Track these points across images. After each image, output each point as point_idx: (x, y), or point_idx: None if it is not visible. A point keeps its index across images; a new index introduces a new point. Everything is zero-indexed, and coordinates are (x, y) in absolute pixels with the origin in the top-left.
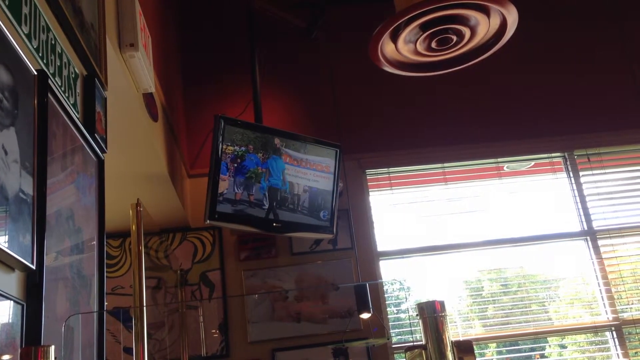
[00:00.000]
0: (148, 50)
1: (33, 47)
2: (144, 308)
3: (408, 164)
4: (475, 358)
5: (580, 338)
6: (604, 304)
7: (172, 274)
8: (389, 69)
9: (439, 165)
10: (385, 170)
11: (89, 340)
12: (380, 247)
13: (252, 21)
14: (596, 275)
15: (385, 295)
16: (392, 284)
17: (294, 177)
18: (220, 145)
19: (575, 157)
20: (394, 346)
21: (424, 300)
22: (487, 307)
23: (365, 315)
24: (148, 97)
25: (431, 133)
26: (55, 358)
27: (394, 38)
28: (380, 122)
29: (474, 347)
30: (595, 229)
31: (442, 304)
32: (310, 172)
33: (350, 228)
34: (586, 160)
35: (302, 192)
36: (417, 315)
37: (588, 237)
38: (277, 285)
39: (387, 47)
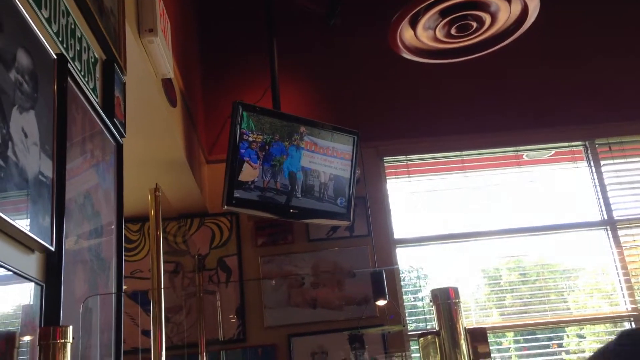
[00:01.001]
0: (167, 36)
1: (53, 31)
2: (162, 292)
3: (426, 151)
4: (488, 346)
5: (599, 328)
6: (623, 294)
7: (190, 258)
8: (407, 55)
9: (458, 153)
10: (403, 157)
11: (107, 322)
12: (397, 234)
13: (270, 8)
14: (616, 266)
15: (402, 283)
16: (409, 272)
17: (312, 163)
18: (238, 131)
19: (597, 146)
20: (409, 333)
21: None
22: (505, 296)
23: (381, 302)
24: (167, 83)
25: (450, 121)
26: (73, 338)
27: (413, 24)
28: (398, 109)
29: (490, 335)
30: (615, 218)
31: (455, 290)
32: (328, 159)
33: (367, 215)
34: (607, 149)
35: (319, 178)
36: (430, 301)
37: (608, 227)
38: (294, 271)
39: (406, 34)
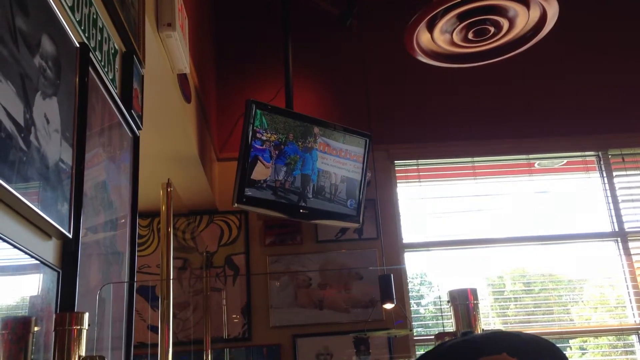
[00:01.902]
0: (184, 31)
1: (76, 19)
2: (171, 288)
3: (437, 156)
4: None
5: (605, 341)
6: (631, 306)
7: (198, 255)
8: (423, 59)
9: (469, 159)
10: (414, 162)
11: (119, 313)
12: (406, 238)
13: (286, 8)
14: (625, 277)
15: (409, 288)
16: (413, 278)
17: (324, 165)
18: (251, 130)
19: (610, 156)
20: (415, 338)
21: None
22: (508, 305)
23: (388, 306)
24: (182, 78)
25: (462, 126)
26: (89, 325)
27: (430, 28)
28: (411, 113)
29: None
30: (626, 230)
31: (474, 291)
32: (340, 161)
33: (376, 218)
34: (620, 160)
35: (330, 180)
36: (448, 302)
37: (619, 239)
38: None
39: (423, 37)
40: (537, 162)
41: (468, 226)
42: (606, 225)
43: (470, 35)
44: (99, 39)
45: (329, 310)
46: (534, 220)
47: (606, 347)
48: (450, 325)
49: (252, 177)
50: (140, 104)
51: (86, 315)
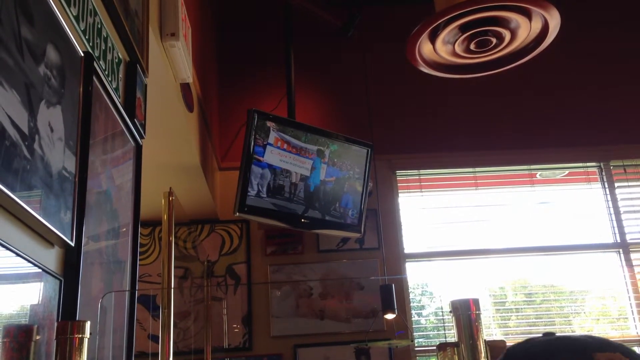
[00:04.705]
0: (188, 41)
1: (80, 29)
2: (172, 297)
3: (439, 166)
4: None
5: None
6: (633, 318)
7: (199, 264)
8: (425, 69)
9: (471, 169)
10: (415, 172)
11: (120, 322)
12: (407, 249)
13: (289, 18)
14: (627, 289)
15: (410, 298)
16: (414, 289)
17: (325, 174)
18: (253, 139)
19: (611, 167)
20: (416, 349)
21: (448, 304)
22: (510, 316)
23: (389, 316)
24: (185, 88)
25: (464, 137)
26: (90, 334)
27: (433, 38)
28: (412, 123)
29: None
30: (628, 241)
31: (476, 302)
32: (340, 171)
33: (378, 228)
34: (622, 171)
35: (332, 189)
36: (450, 312)
37: (620, 250)
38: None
39: (425, 48)
40: (539, 172)
41: (469, 236)
42: (608, 236)
43: (472, 46)
44: (103, 48)
45: (330, 320)
46: (536, 230)
47: None
48: (452, 336)
49: (253, 187)
50: (143, 113)
51: (88, 324)
